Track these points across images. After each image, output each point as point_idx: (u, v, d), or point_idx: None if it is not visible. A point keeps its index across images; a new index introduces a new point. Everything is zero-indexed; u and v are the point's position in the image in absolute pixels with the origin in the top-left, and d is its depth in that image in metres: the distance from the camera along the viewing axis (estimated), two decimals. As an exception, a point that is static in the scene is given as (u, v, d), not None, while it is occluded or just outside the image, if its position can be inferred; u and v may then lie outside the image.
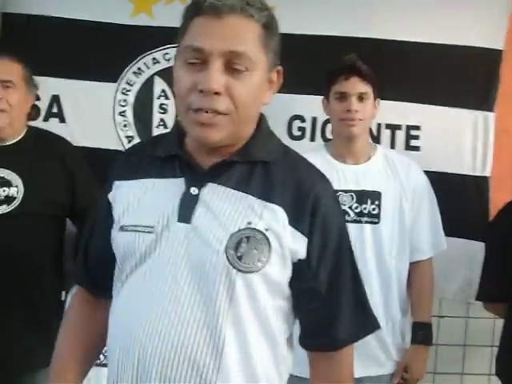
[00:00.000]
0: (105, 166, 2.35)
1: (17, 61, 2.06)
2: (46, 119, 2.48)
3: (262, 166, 1.17)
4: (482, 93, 2.49)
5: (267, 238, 1.11)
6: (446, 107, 2.47)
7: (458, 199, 2.42)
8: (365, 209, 2.06)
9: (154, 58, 2.45)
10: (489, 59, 2.47)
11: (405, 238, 2.10)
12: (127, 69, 2.47)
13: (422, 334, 2.09)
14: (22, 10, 2.52)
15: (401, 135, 2.48)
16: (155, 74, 2.47)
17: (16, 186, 2.01)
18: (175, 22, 2.44)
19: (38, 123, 2.40)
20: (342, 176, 2.08)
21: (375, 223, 2.06)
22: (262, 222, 1.12)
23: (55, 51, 2.44)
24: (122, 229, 1.20)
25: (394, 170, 2.12)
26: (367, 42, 2.44)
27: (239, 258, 1.10)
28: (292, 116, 2.47)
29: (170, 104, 2.46)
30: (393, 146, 2.46)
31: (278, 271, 1.13)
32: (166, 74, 2.45)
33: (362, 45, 2.41)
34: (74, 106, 2.48)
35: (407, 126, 2.48)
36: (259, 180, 1.16)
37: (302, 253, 1.14)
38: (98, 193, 2.18)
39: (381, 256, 2.05)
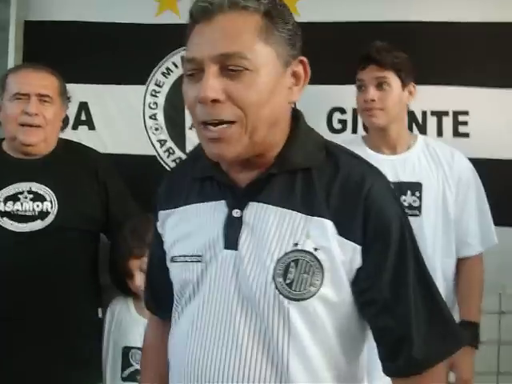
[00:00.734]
0: (137, 173, 2.34)
1: (53, 74, 1.99)
2: (74, 127, 2.39)
3: (304, 174, 1.08)
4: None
5: (317, 259, 1.02)
6: (496, 89, 2.30)
7: (509, 187, 2.26)
8: (404, 201, 1.95)
9: (183, 57, 2.32)
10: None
11: (450, 231, 1.98)
12: (155, 70, 2.37)
13: (468, 333, 1.95)
14: (43, 17, 2.44)
15: (448, 122, 2.32)
16: (185, 73, 2.35)
17: (50, 201, 1.93)
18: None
19: (67, 132, 2.32)
20: (379, 167, 1.95)
21: (416, 216, 1.94)
22: (310, 241, 1.03)
23: (79, 57, 2.34)
24: (172, 260, 1.17)
25: (435, 160, 2.01)
26: (408, 26, 2.30)
27: (289, 286, 1.02)
28: (331, 108, 2.33)
29: (202, 104, 2.33)
30: (440, 134, 2.31)
31: (335, 291, 1.03)
32: (197, 73, 2.34)
33: (402, 29, 2.28)
34: (102, 112, 2.39)
35: (454, 112, 2.32)
36: (302, 191, 1.07)
37: (357, 262, 1.03)
38: (131, 205, 2.14)
39: (423, 250, 1.90)
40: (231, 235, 1.07)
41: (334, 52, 2.25)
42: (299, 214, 1.04)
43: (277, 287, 1.01)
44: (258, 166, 1.07)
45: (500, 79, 2.33)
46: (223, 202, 1.10)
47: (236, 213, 1.07)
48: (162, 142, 2.38)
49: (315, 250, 1.01)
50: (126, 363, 1.95)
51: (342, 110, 2.33)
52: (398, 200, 1.10)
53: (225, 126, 1.00)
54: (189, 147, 2.35)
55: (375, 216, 1.03)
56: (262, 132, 1.02)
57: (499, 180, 2.18)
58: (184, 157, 2.34)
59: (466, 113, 2.33)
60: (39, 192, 1.94)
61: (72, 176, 2.00)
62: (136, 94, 2.37)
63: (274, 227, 1.04)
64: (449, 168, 1.99)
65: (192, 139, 2.34)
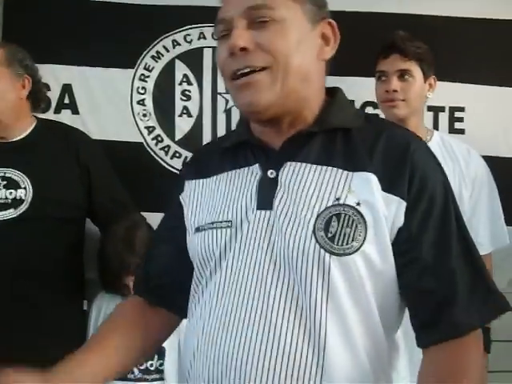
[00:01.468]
0: (124, 161, 2.22)
1: None
2: (57, 111, 2.24)
3: (344, 134, 1.06)
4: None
5: (360, 213, 0.98)
6: (492, 86, 2.30)
7: (507, 185, 2.22)
8: None
9: (175, 40, 2.24)
10: (532, 34, 2.32)
11: None
12: (145, 53, 2.25)
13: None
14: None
15: (444, 117, 2.30)
16: (176, 57, 2.25)
17: (25, 188, 1.81)
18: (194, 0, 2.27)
19: (49, 115, 2.17)
20: None
21: None
22: (352, 196, 0.99)
23: (65, 36, 2.21)
24: (198, 230, 1.10)
25: (452, 156, 1.97)
26: (405, 19, 2.26)
27: (331, 240, 0.97)
28: (364, 102, 2.27)
29: (194, 90, 2.24)
30: (436, 129, 2.22)
31: (378, 249, 0.98)
32: (188, 58, 2.25)
33: (398, 22, 2.23)
34: (87, 96, 2.25)
35: (451, 108, 2.31)
36: (343, 149, 1.05)
37: (400, 220, 0.99)
38: (119, 190, 2.04)
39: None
40: (265, 196, 1.03)
41: (367, 43, 2.10)
42: (340, 170, 1.02)
43: (318, 241, 0.97)
44: (293, 128, 1.05)
45: (497, 77, 2.32)
46: (257, 165, 1.07)
47: (271, 173, 1.04)
48: (150, 129, 2.26)
49: (357, 204, 0.98)
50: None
51: (375, 105, 2.18)
52: (441, 167, 1.07)
53: (255, 73, 1.00)
54: (178, 135, 2.25)
55: (420, 177, 1.00)
56: (293, 82, 1.02)
57: (494, 178, 2.09)
58: (173, 145, 2.25)
59: (462, 109, 2.31)
60: (13, 178, 1.83)
61: (50, 159, 1.89)
62: (124, 77, 2.24)
63: (314, 184, 1.01)
64: (465, 165, 1.96)
65: (181, 127, 2.25)
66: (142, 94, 2.26)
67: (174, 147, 2.24)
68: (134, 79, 2.25)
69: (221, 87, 2.23)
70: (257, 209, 1.03)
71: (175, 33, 2.23)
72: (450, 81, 2.26)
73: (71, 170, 1.89)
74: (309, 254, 0.96)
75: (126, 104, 2.26)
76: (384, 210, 0.98)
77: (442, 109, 2.30)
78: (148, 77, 2.25)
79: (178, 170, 2.24)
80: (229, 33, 1.02)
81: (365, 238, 0.97)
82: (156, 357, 1.89)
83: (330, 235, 0.97)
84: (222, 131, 2.23)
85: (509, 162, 2.31)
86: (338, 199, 0.99)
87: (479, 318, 1.00)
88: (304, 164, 1.04)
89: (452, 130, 2.30)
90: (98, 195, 1.93)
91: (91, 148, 1.98)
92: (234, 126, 2.20)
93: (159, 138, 2.25)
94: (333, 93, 1.11)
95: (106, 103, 2.25)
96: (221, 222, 1.06)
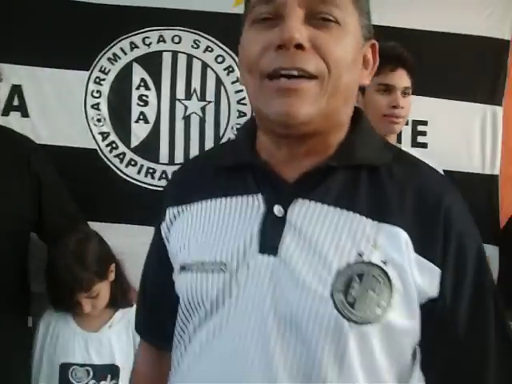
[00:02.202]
0: (76, 168, 2.10)
1: None
2: (5, 113, 2.11)
3: (369, 173, 0.89)
4: (490, 86, 2.32)
5: (386, 274, 0.83)
6: (454, 101, 2.27)
7: (467, 200, 2.22)
8: None
9: (132, 43, 2.13)
10: (496, 50, 2.30)
11: None
12: (101, 55, 2.13)
13: None
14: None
15: (407, 131, 2.26)
16: (133, 60, 2.14)
17: None
18: (156, 1, 2.18)
19: (-4, 118, 2.05)
20: None
21: None
22: (378, 252, 0.83)
23: (15, 34, 2.07)
24: (183, 269, 0.93)
25: None
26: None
27: (351, 305, 0.81)
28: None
29: (151, 95, 2.14)
30: (399, 143, 2.20)
31: (403, 319, 0.84)
32: (146, 61, 2.14)
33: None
34: (38, 98, 2.12)
35: (414, 121, 2.27)
36: (368, 192, 0.88)
37: (433, 290, 0.85)
38: (69, 204, 1.92)
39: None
40: (269, 237, 0.86)
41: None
42: (364, 218, 0.85)
43: (336, 306, 0.81)
44: (310, 155, 0.88)
45: (460, 91, 2.29)
46: (259, 196, 0.90)
47: (278, 210, 0.87)
48: (105, 135, 2.15)
49: (384, 263, 0.83)
50: (64, 381, 1.76)
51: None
52: (474, 225, 0.92)
53: (303, 79, 0.82)
54: (134, 142, 2.14)
55: (456, 241, 0.86)
56: (338, 101, 0.86)
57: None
58: (128, 152, 2.14)
59: (425, 123, 2.28)
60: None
61: (-2, 167, 1.76)
62: (78, 80, 2.12)
63: (332, 232, 0.85)
64: None
65: (138, 134, 2.15)
66: (97, 97, 2.14)
67: (130, 155, 2.14)
68: (89, 82, 2.14)
69: (180, 93, 2.14)
70: (258, 252, 0.87)
71: (133, 35, 2.13)
72: (414, 94, 2.18)
73: (20, 181, 1.77)
74: (323, 320, 0.81)
75: (80, 108, 2.14)
76: (415, 275, 0.84)
77: (405, 122, 2.20)
78: (103, 80, 2.14)
79: (133, 178, 2.14)
80: (274, 18, 0.84)
81: (389, 304, 0.83)
82: (109, 376, 1.81)
83: (350, 299, 0.82)
84: (180, 139, 2.14)
85: (471, 177, 2.29)
86: (360, 255, 0.84)
87: None
88: (320, 204, 0.87)
89: (415, 144, 2.27)
90: (48, 208, 1.82)
91: (42, 159, 1.86)
92: (192, 134, 2.14)
93: (114, 145, 2.15)
94: (356, 117, 0.94)
95: (58, 106, 2.12)
96: (212, 263, 0.88)
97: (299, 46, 0.82)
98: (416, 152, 2.13)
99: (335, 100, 0.85)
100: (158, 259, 1.01)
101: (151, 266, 1.07)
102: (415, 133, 2.28)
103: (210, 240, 0.90)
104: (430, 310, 0.85)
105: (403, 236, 0.84)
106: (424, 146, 2.28)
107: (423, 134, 2.28)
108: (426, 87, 2.25)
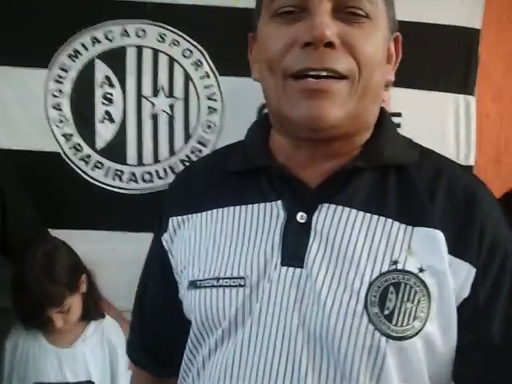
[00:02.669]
0: (38, 172, 1.98)
1: None
2: (-43, 115, 1.96)
3: (397, 173, 0.84)
4: (462, 75, 2.27)
5: (424, 283, 0.77)
6: (427, 91, 2.23)
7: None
8: None
9: (94, 38, 2.00)
10: (468, 39, 2.26)
11: None
12: (60, 51, 1.99)
13: None
14: None
15: (381, 123, 2.22)
16: (96, 57, 2.01)
17: None
18: (118, -9, 2.04)
19: None
20: None
21: None
22: (413, 259, 0.77)
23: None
24: (194, 285, 0.84)
25: None
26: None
27: (388, 318, 0.75)
28: (262, 104, 2.05)
29: (116, 93, 2.01)
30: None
31: (442, 327, 0.78)
32: (110, 57, 2.01)
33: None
34: (-6, 100, 1.98)
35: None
36: (398, 194, 0.82)
37: (466, 290, 0.80)
38: (33, 213, 1.82)
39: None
40: (293, 247, 0.79)
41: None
42: (396, 222, 0.80)
43: (371, 320, 0.75)
44: (334, 157, 0.82)
45: (432, 81, 2.24)
46: (279, 203, 0.82)
47: (301, 217, 0.80)
48: (68, 137, 2.02)
49: (420, 270, 0.77)
50: (37, 402, 1.66)
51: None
52: (504, 219, 0.87)
53: (333, 80, 0.76)
54: (99, 143, 2.02)
55: (491, 238, 0.81)
56: (368, 101, 0.80)
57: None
58: (94, 154, 2.03)
59: (399, 114, 2.21)
60: None
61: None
62: (36, 79, 1.98)
63: (362, 239, 0.78)
64: None
65: (103, 134, 2.03)
66: (58, 97, 2.01)
67: (95, 157, 2.02)
68: (49, 80, 2.00)
69: (146, 90, 2.03)
70: (281, 265, 0.80)
71: (95, 29, 1.99)
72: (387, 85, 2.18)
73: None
74: (358, 336, 0.75)
75: (40, 108, 2.00)
76: (451, 279, 0.78)
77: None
78: (64, 78, 2.00)
79: (100, 181, 2.03)
80: (297, 12, 0.78)
81: (428, 316, 0.77)
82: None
83: (386, 312, 0.76)
84: (148, 138, 2.03)
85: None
86: (395, 262, 0.77)
87: None
88: (348, 209, 0.81)
89: (389, 137, 2.22)
90: (12, 219, 1.72)
91: (4, 167, 1.75)
92: (161, 133, 2.04)
93: (78, 147, 2.02)
94: (380, 116, 0.88)
95: (16, 107, 1.98)
96: (229, 278, 0.81)
97: (329, 44, 0.76)
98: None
99: (365, 101, 0.80)
100: (160, 275, 0.93)
101: (150, 283, 0.97)
102: (389, 125, 2.23)
103: (224, 253, 0.83)
104: (463, 310, 0.80)
105: (440, 237, 0.79)
106: (399, 138, 2.23)
107: (397, 126, 2.19)
108: (399, 78, 2.18)
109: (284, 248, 0.80)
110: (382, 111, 0.89)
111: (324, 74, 0.76)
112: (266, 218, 0.82)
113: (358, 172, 0.82)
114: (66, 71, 2.01)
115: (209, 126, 2.05)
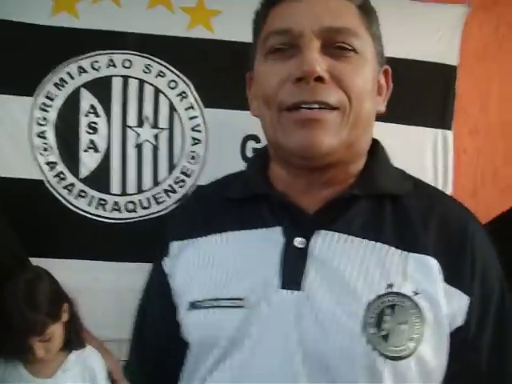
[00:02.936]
0: (20, 200, 1.98)
1: None
2: None
3: (392, 203, 0.87)
4: (440, 110, 2.34)
5: (418, 306, 0.80)
6: (406, 125, 2.28)
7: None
8: None
9: (80, 67, 2.02)
10: (445, 75, 2.33)
11: None
12: (46, 79, 2.01)
13: None
14: None
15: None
16: (82, 85, 2.03)
17: None
18: (105, 23, 2.09)
19: None
20: None
21: None
22: (408, 283, 0.81)
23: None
24: (193, 306, 0.87)
25: None
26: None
27: (384, 339, 0.78)
28: (246, 136, 2.12)
29: (101, 122, 2.03)
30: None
31: (435, 352, 0.81)
32: (95, 87, 2.04)
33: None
34: (-22, 126, 1.97)
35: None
36: (393, 221, 0.85)
37: (460, 318, 0.83)
38: (16, 241, 1.81)
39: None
40: (291, 271, 0.82)
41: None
42: (392, 248, 0.83)
43: (369, 341, 0.78)
44: (330, 185, 0.86)
45: (411, 116, 2.29)
46: (278, 228, 0.85)
47: (299, 242, 0.83)
48: (52, 165, 2.03)
49: (415, 294, 0.80)
50: None
51: (257, 139, 2.11)
52: (494, 252, 0.91)
53: (325, 110, 0.81)
54: (83, 172, 2.04)
55: (481, 269, 0.85)
56: (359, 130, 0.84)
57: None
58: (77, 183, 2.03)
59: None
60: None
61: None
62: (21, 106, 1.99)
63: (358, 263, 0.82)
64: None
65: (87, 163, 2.04)
66: (43, 125, 2.02)
67: (79, 185, 2.03)
68: (34, 109, 2.01)
69: (131, 120, 2.05)
70: (281, 287, 0.82)
71: (81, 59, 2.02)
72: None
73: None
74: (356, 357, 0.78)
75: (24, 136, 2.01)
76: (445, 306, 0.81)
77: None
78: (50, 106, 2.02)
79: (82, 210, 2.03)
80: (288, 49, 0.83)
81: (421, 337, 0.80)
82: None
83: (383, 333, 0.78)
84: (132, 168, 2.05)
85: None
86: (390, 286, 0.80)
87: None
88: (344, 235, 0.84)
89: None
90: None
91: None
92: (145, 163, 2.06)
93: (62, 175, 2.03)
94: (372, 146, 0.93)
95: (1, 135, 1.98)
96: (228, 299, 0.83)
97: (319, 79, 0.80)
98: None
99: (356, 130, 0.84)
100: (160, 298, 0.94)
101: (149, 307, 0.99)
102: (369, 158, 2.27)
103: (224, 275, 0.85)
104: (454, 338, 0.83)
105: (434, 264, 0.82)
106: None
107: (378, 158, 2.28)
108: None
109: (283, 272, 0.83)
110: (375, 140, 0.94)
111: (316, 106, 0.81)
112: (266, 243, 0.85)
113: (354, 200, 0.86)
114: (51, 99, 2.02)
115: (193, 157, 2.08)
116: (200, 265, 0.88)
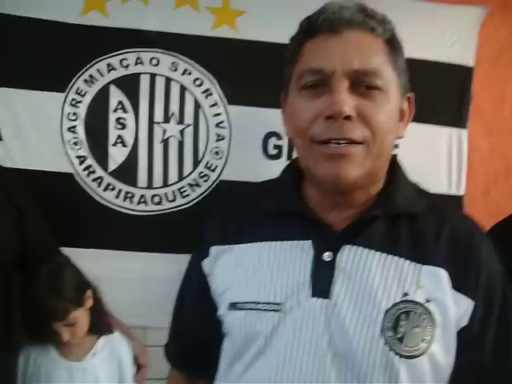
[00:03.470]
0: (51, 193, 2.05)
1: None
2: (-24, 136, 2.03)
3: (408, 220, 0.99)
4: (455, 110, 2.40)
5: (429, 312, 0.93)
6: (422, 124, 2.34)
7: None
8: None
9: (109, 64, 2.08)
10: (461, 76, 2.40)
11: None
12: (77, 76, 2.07)
13: None
14: None
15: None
16: (111, 82, 2.10)
17: None
18: (133, 22, 2.15)
19: (-34, 141, 1.96)
20: None
21: None
22: (421, 292, 0.93)
23: (-14, 53, 1.99)
24: (234, 307, 0.99)
25: None
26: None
27: (400, 340, 0.91)
28: (267, 133, 2.18)
29: (129, 118, 2.10)
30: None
31: (445, 350, 0.93)
32: (124, 83, 2.10)
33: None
34: (12, 121, 2.03)
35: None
36: (408, 237, 0.98)
37: (465, 319, 0.96)
38: (46, 230, 1.87)
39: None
40: (321, 281, 0.94)
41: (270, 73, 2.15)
42: (407, 261, 0.95)
43: (387, 342, 0.90)
44: (354, 204, 0.97)
45: (424, 115, 2.32)
46: (309, 242, 0.97)
47: (327, 256, 0.95)
48: (82, 159, 2.09)
49: (427, 301, 0.93)
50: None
51: (278, 136, 2.19)
52: (498, 260, 1.03)
53: (351, 144, 0.92)
54: (112, 166, 2.10)
55: (486, 276, 0.96)
56: (382, 160, 0.97)
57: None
58: (106, 176, 2.11)
59: (395, 146, 2.32)
60: None
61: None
62: (53, 102, 2.05)
63: (379, 275, 0.94)
64: None
65: (115, 157, 2.11)
66: (73, 120, 2.08)
67: (108, 179, 2.10)
68: (65, 104, 2.07)
69: (158, 116, 2.12)
70: (311, 296, 0.94)
71: (110, 56, 2.08)
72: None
73: (3, 213, 1.70)
74: (376, 356, 0.90)
75: (55, 131, 2.07)
76: (453, 310, 0.93)
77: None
78: (80, 102, 2.08)
79: (111, 203, 2.10)
80: (320, 86, 0.93)
81: (432, 338, 0.92)
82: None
83: (399, 336, 0.91)
84: (158, 162, 2.12)
85: (438, 197, 2.37)
86: (406, 294, 0.93)
87: None
88: (366, 250, 0.96)
89: (387, 167, 2.32)
90: (30, 238, 1.76)
91: (23, 188, 1.80)
92: (171, 158, 2.13)
93: (91, 169, 2.10)
94: (393, 163, 1.04)
95: (33, 129, 2.05)
96: (267, 303, 0.95)
97: (347, 117, 0.91)
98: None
99: (379, 160, 0.96)
100: (198, 294, 1.06)
101: (188, 299, 1.11)
102: (387, 156, 2.32)
103: (262, 281, 0.97)
104: (460, 337, 0.95)
105: (443, 274, 0.95)
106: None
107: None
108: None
109: (313, 281, 0.95)
110: (393, 159, 1.04)
111: (343, 142, 0.92)
112: (297, 255, 0.97)
113: (375, 219, 0.98)
114: (81, 96, 2.09)
115: (217, 153, 2.15)
116: (239, 270, 0.99)
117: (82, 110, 2.09)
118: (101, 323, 1.87)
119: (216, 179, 2.14)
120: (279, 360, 0.92)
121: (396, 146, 2.37)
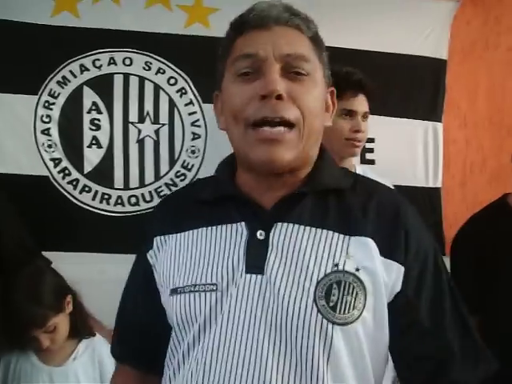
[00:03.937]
0: (27, 196, 2.04)
1: None
2: None
3: (336, 196, 1.04)
4: (430, 103, 2.44)
5: (360, 280, 0.96)
6: (398, 118, 2.38)
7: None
8: None
9: (82, 65, 2.08)
10: (435, 69, 2.44)
11: None
12: (50, 78, 2.06)
13: None
14: None
15: (356, 149, 2.33)
16: (84, 83, 2.09)
17: None
18: (105, 22, 2.14)
19: None
20: None
21: None
22: (351, 261, 0.96)
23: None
24: (175, 292, 1.01)
25: None
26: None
27: (333, 309, 0.94)
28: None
29: (103, 119, 2.09)
30: (348, 161, 2.30)
31: (376, 315, 0.97)
32: (97, 84, 2.10)
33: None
34: (-15, 125, 2.02)
35: (361, 139, 2.34)
36: (336, 212, 1.02)
37: (398, 285, 0.99)
38: (25, 233, 1.87)
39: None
40: (254, 258, 0.98)
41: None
42: (336, 233, 0.99)
43: (319, 311, 0.93)
44: (285, 186, 1.01)
45: (403, 109, 2.40)
46: (242, 223, 1.01)
47: (260, 234, 0.99)
48: (56, 161, 2.08)
49: (357, 270, 0.96)
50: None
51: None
52: (426, 228, 1.07)
53: (284, 128, 0.96)
54: (87, 168, 2.09)
55: (415, 240, 1.01)
56: (312, 143, 1.01)
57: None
58: (82, 178, 2.09)
59: (372, 140, 2.35)
60: None
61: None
62: (26, 104, 2.04)
63: (310, 248, 0.97)
64: None
65: (90, 159, 2.10)
66: (47, 122, 2.07)
67: (83, 181, 2.09)
68: (38, 106, 2.06)
69: (133, 116, 2.11)
70: (246, 272, 0.97)
71: (83, 57, 2.07)
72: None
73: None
74: (310, 324, 0.93)
75: (29, 133, 2.06)
76: (384, 276, 0.97)
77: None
78: (53, 104, 2.07)
79: (87, 205, 2.09)
80: (253, 72, 0.97)
81: (364, 306, 0.95)
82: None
83: (331, 304, 0.94)
84: (134, 163, 2.11)
85: (415, 190, 2.41)
86: (336, 265, 0.96)
87: (474, 378, 1.01)
88: (297, 226, 0.99)
89: (363, 161, 2.35)
90: (6, 242, 1.75)
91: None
92: (147, 158, 2.12)
93: (66, 171, 2.09)
94: (321, 154, 1.08)
95: (7, 132, 2.04)
96: (204, 284, 0.98)
97: (279, 97, 0.96)
98: (364, 168, 2.25)
99: (309, 143, 1.01)
100: (143, 284, 1.08)
101: (136, 292, 1.12)
102: (363, 150, 2.30)
103: (200, 264, 1.00)
104: (395, 303, 0.98)
105: (371, 243, 0.98)
106: (372, 162, 2.37)
107: (371, 151, 2.37)
108: (372, 106, 2.33)
109: (247, 259, 0.98)
110: (322, 147, 1.09)
111: (278, 120, 0.95)
112: (233, 236, 1.01)
113: (303, 196, 1.02)
114: (54, 97, 2.07)
115: (193, 151, 2.15)
116: (179, 257, 1.03)
117: (56, 112, 2.08)
118: (81, 327, 1.85)
119: (193, 178, 2.14)
120: (220, 339, 0.95)
121: (372, 140, 2.43)
